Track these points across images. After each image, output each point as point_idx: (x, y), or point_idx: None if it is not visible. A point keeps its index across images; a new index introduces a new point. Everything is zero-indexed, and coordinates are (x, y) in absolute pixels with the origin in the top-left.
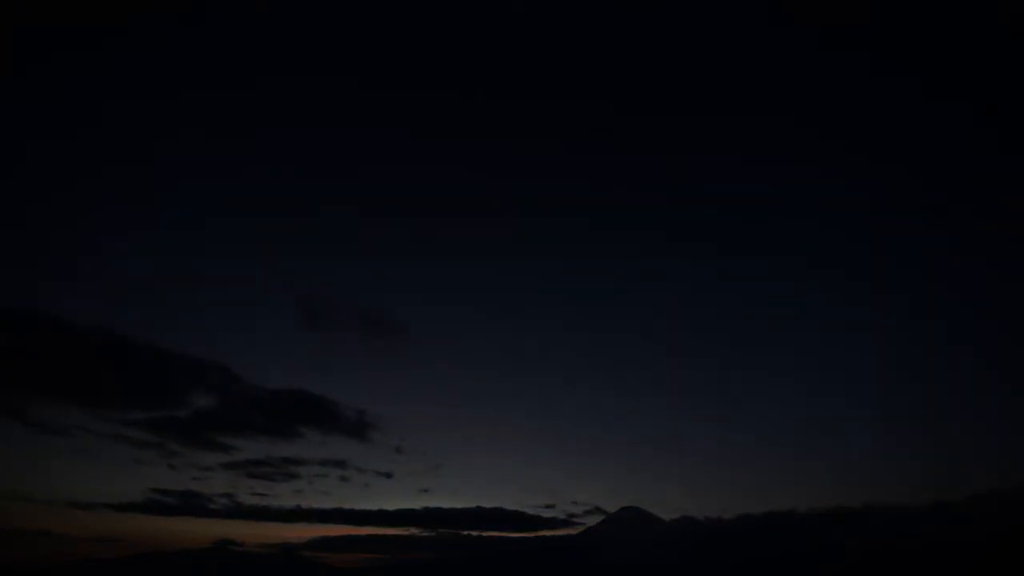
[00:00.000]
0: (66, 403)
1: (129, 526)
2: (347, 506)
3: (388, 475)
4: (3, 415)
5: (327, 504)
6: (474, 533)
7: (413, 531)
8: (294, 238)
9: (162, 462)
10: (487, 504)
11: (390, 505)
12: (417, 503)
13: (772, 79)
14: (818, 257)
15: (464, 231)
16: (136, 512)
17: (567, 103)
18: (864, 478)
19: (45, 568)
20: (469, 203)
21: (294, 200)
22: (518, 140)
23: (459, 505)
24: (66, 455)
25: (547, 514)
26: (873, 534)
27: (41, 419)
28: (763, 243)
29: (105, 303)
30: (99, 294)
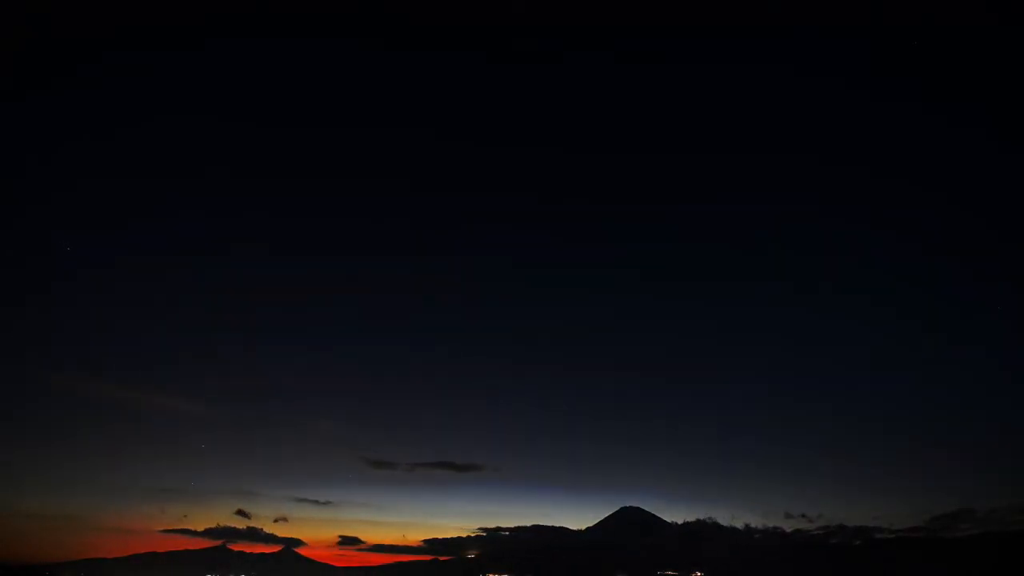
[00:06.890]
0: None
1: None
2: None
3: None
4: None
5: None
6: (472, 533)
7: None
8: None
9: None
10: None
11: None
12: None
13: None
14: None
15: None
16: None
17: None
18: (865, 482)
19: (46, 566)
20: None
21: None
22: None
23: None
24: None
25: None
26: (874, 535)
27: None
28: (761, 244)
29: None
30: None
